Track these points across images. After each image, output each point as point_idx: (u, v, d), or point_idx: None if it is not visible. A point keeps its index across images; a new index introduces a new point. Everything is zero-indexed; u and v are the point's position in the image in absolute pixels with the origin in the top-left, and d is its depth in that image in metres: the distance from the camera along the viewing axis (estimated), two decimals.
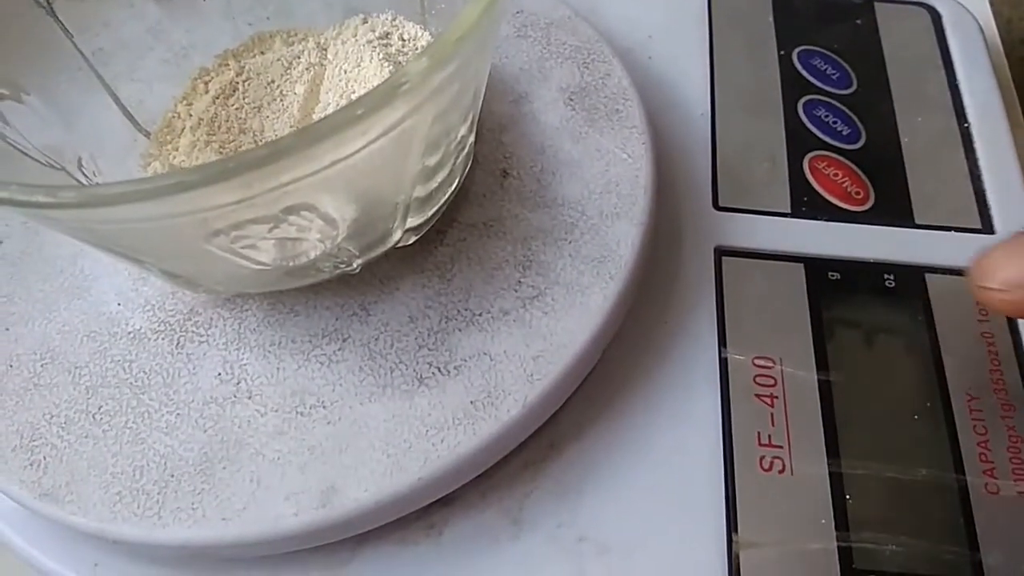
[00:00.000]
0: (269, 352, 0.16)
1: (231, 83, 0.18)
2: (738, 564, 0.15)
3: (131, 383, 0.16)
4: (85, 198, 0.11)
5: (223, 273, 0.15)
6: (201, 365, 0.16)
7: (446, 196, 0.16)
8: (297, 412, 0.15)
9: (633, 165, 0.18)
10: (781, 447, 0.16)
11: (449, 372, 0.15)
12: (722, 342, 0.17)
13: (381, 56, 0.17)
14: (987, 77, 0.22)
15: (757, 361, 0.17)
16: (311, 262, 0.15)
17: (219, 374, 0.16)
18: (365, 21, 0.19)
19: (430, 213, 0.16)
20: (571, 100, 0.19)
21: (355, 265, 0.15)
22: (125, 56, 0.19)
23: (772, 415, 0.16)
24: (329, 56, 0.18)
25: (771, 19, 0.22)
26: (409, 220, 0.15)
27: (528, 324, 0.16)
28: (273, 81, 0.18)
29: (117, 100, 0.18)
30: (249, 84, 0.18)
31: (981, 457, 0.16)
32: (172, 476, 0.15)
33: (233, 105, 0.18)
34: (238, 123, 0.18)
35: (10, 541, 0.16)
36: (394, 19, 0.19)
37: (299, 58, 0.19)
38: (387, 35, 0.18)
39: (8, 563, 0.17)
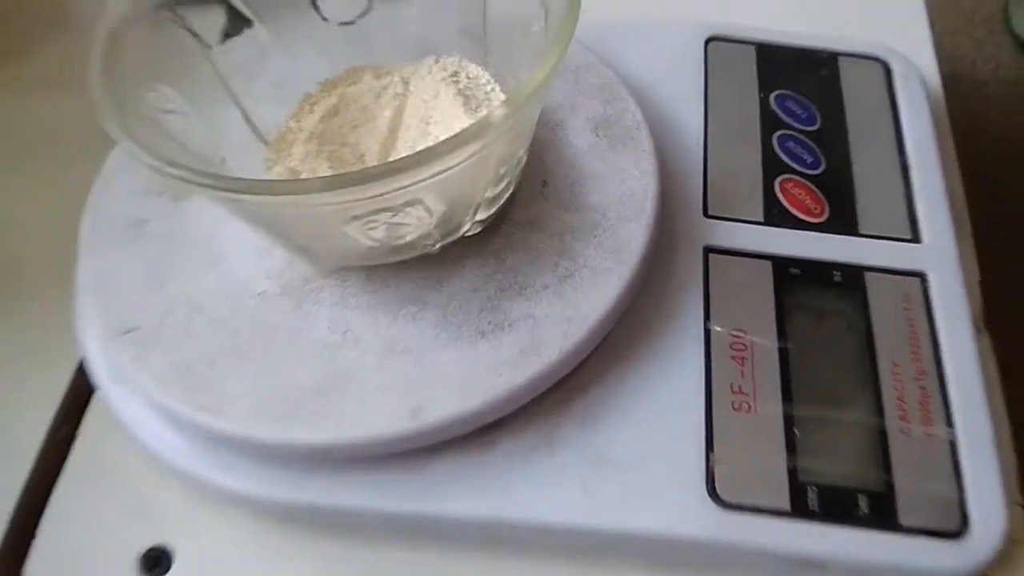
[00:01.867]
0: (367, 311, 0.21)
1: (333, 106, 0.24)
2: (713, 475, 0.20)
3: (262, 332, 0.21)
4: (281, 187, 0.16)
5: (346, 249, 0.20)
6: (315, 320, 0.21)
7: (504, 199, 0.21)
8: (391, 355, 0.20)
9: (643, 180, 0.23)
10: (748, 394, 0.21)
11: (503, 329, 0.21)
12: (707, 317, 0.22)
13: (454, 91, 0.23)
14: (925, 120, 0.27)
15: (733, 332, 0.22)
16: (407, 243, 0.20)
17: (328, 327, 0.21)
18: (437, 61, 0.24)
19: (492, 211, 0.21)
20: (596, 129, 0.24)
21: (436, 247, 0.21)
22: (243, 79, 0.24)
23: (742, 371, 0.22)
24: (411, 88, 0.24)
25: (754, 68, 0.28)
26: (478, 215, 0.21)
27: (563, 296, 0.21)
28: (366, 106, 0.24)
29: (244, 114, 0.23)
30: (347, 107, 0.24)
31: (898, 407, 0.21)
32: (297, 400, 0.20)
33: (336, 123, 0.23)
34: (340, 138, 0.23)
35: (163, 454, 0.21)
36: (460, 60, 0.24)
37: (386, 89, 0.24)
38: (456, 73, 0.24)
39: (154, 475, 0.22)
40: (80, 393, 0.25)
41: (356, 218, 0.18)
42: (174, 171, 0.17)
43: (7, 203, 0.29)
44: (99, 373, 0.22)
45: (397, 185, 0.17)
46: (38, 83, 0.33)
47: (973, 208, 0.27)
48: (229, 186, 0.17)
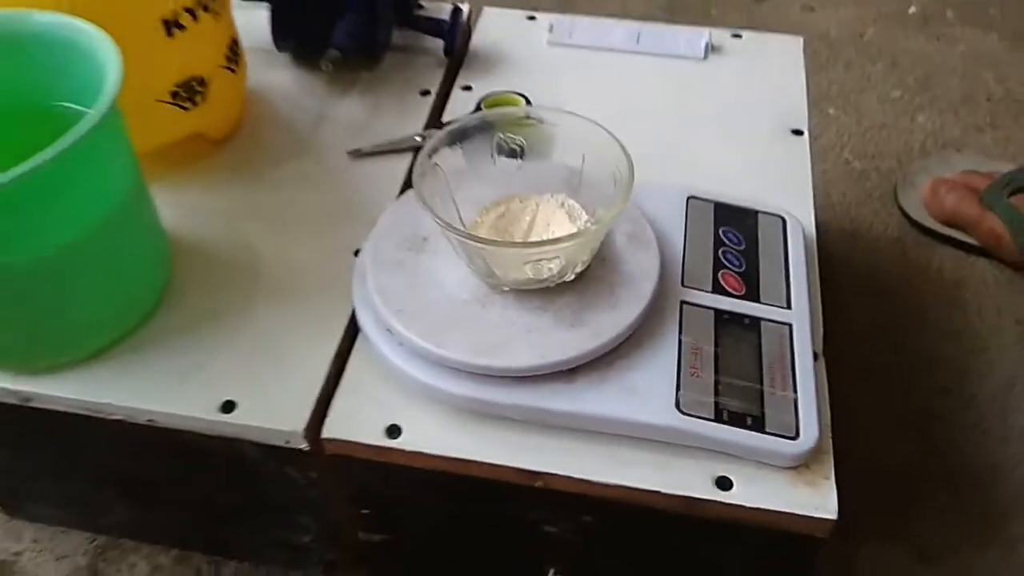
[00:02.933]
0: (517, 310, 0.43)
1: (501, 214, 0.47)
2: (678, 400, 0.42)
3: (464, 317, 0.43)
4: (499, 242, 0.39)
5: (514, 278, 0.42)
6: (491, 312, 0.43)
7: (587, 264, 0.44)
8: (528, 332, 0.43)
9: (652, 264, 0.46)
10: (697, 368, 0.43)
11: (581, 325, 0.43)
12: (680, 333, 0.45)
13: (563, 212, 0.46)
14: (801, 250, 0.50)
15: (693, 343, 0.45)
16: (542, 279, 0.43)
17: (499, 315, 0.43)
18: (553, 195, 0.47)
19: (580, 269, 0.44)
20: (629, 237, 0.47)
21: (554, 283, 0.43)
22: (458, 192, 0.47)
23: (695, 360, 0.44)
24: (539, 208, 0.47)
25: (712, 214, 0.51)
26: (576, 269, 0.43)
27: (611, 312, 0.43)
28: (517, 215, 0.47)
29: (457, 209, 0.46)
30: (507, 214, 0.47)
31: (770, 382, 0.43)
32: (484, 347, 0.42)
33: (501, 222, 0.46)
34: (502, 230, 0.46)
35: (408, 372, 0.43)
36: (565, 196, 0.47)
37: (526, 207, 0.47)
38: (563, 203, 0.47)
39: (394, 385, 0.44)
40: (349, 337, 0.46)
41: (532, 261, 0.41)
42: (452, 230, 0.40)
43: (287, 248, 0.52)
44: (370, 330, 0.44)
45: (547, 250, 0.40)
46: (293, 181, 0.56)
47: (824, 295, 0.50)
48: (479, 239, 0.39)
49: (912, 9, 1.09)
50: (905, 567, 0.59)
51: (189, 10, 0.49)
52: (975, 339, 0.71)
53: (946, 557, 0.59)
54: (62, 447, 0.50)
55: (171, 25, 0.49)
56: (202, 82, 0.52)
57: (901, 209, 0.81)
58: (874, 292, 0.75)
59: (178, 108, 0.52)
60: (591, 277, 0.45)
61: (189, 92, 0.52)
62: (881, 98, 0.96)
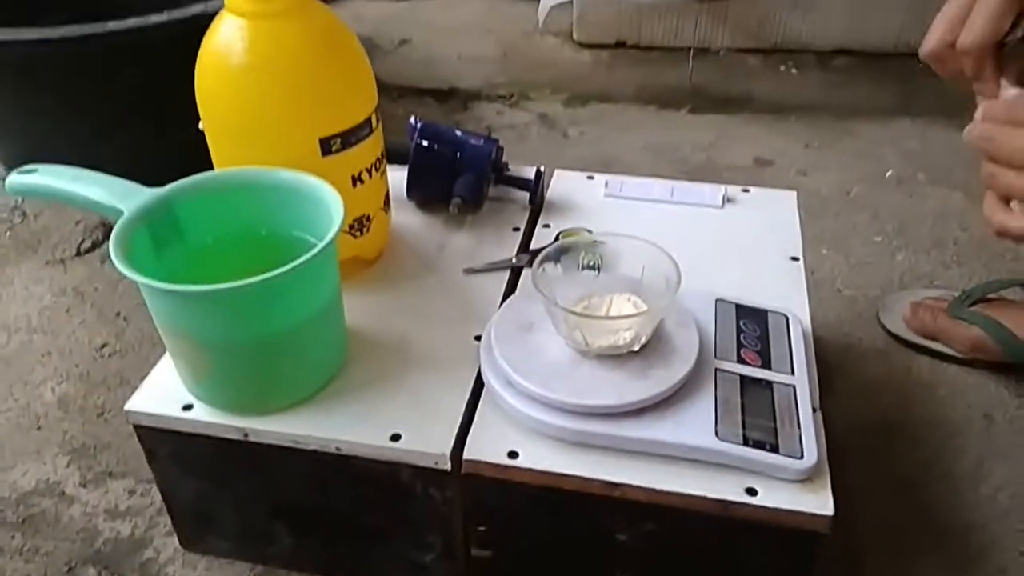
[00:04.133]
0: (599, 367, 0.62)
1: (586, 305, 0.67)
2: (717, 427, 0.60)
3: (563, 374, 0.62)
4: (593, 316, 0.59)
5: (599, 344, 0.62)
6: (583, 370, 0.62)
7: (649, 337, 0.64)
8: (608, 382, 0.61)
9: (693, 342, 0.65)
10: (729, 411, 0.61)
11: (647, 377, 0.62)
12: (716, 389, 0.63)
13: (631, 304, 0.66)
14: (800, 336, 0.70)
15: (724, 396, 0.63)
16: (620, 345, 0.62)
17: (589, 372, 0.62)
18: (621, 293, 0.67)
19: (645, 341, 0.63)
20: (676, 324, 0.67)
21: (626, 350, 0.63)
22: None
23: (727, 403, 0.62)
24: (613, 302, 0.67)
25: (734, 311, 0.71)
26: (641, 341, 0.63)
27: (666, 370, 0.62)
28: (597, 307, 0.67)
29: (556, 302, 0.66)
30: (590, 306, 0.67)
31: (781, 417, 0.61)
32: (573, 393, 0.61)
33: (587, 310, 0.66)
34: (592, 312, 0.66)
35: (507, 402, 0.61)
36: (631, 295, 0.67)
37: (604, 302, 0.67)
38: (630, 298, 0.67)
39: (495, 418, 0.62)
40: (476, 390, 0.65)
41: (607, 331, 0.60)
42: (559, 307, 0.60)
43: (426, 334, 0.71)
44: (495, 382, 0.63)
45: (622, 323, 0.59)
46: (427, 290, 0.77)
47: (822, 394, 0.69)
48: (579, 313, 0.59)
49: (889, 173, 1.33)
50: None
51: (367, 170, 0.72)
52: (949, 426, 0.89)
53: None
54: (260, 477, 0.68)
55: (356, 180, 0.71)
56: (368, 218, 0.74)
57: (884, 327, 1.00)
58: (863, 391, 0.93)
59: (351, 236, 0.73)
60: (651, 348, 0.64)
61: (360, 225, 0.73)
62: (865, 241, 1.17)
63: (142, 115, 1.20)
